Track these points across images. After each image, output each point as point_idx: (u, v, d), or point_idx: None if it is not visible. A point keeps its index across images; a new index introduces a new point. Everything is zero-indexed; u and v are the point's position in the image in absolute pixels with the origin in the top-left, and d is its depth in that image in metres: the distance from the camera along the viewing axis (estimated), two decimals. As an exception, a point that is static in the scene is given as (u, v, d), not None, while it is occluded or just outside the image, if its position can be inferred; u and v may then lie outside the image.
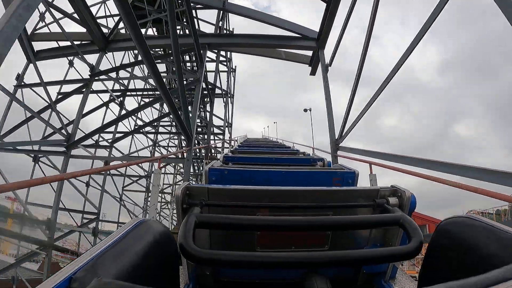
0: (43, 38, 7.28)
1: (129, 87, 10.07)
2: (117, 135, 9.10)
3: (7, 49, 1.69)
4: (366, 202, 1.11)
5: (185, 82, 6.35)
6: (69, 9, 6.43)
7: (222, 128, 13.09)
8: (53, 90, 7.47)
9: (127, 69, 9.22)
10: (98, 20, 7.30)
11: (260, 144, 8.45)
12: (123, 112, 9.11)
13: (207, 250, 0.70)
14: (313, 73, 7.90)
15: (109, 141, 8.44)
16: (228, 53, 13.47)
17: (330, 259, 0.71)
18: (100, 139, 8.61)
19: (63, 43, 7.27)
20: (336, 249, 1.07)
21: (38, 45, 7.17)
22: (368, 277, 1.21)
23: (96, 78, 7.50)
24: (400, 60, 4.01)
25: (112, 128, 9.06)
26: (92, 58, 7.43)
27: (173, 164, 14.19)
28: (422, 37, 3.56)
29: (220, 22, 11.00)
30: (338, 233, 1.13)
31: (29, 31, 6.86)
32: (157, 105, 13.07)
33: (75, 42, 7.06)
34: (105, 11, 8.89)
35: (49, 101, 6.67)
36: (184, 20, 10.48)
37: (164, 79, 5.20)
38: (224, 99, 13.41)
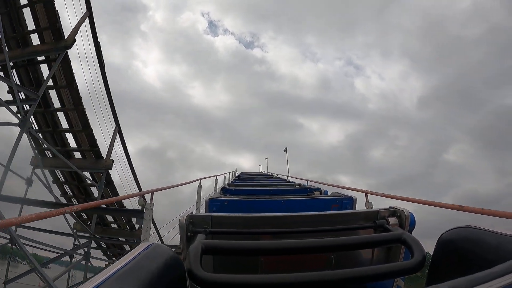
0: None
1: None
2: None
3: None
4: (366, 223, 1.14)
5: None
6: None
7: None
8: None
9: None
10: None
11: (256, 177, 8.55)
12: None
13: (214, 274, 0.71)
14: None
15: None
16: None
17: (340, 277, 0.71)
18: None
19: None
20: None
21: None
22: None
23: None
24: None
25: None
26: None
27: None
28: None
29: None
30: (341, 255, 1.13)
31: None
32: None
33: None
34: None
35: None
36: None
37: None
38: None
